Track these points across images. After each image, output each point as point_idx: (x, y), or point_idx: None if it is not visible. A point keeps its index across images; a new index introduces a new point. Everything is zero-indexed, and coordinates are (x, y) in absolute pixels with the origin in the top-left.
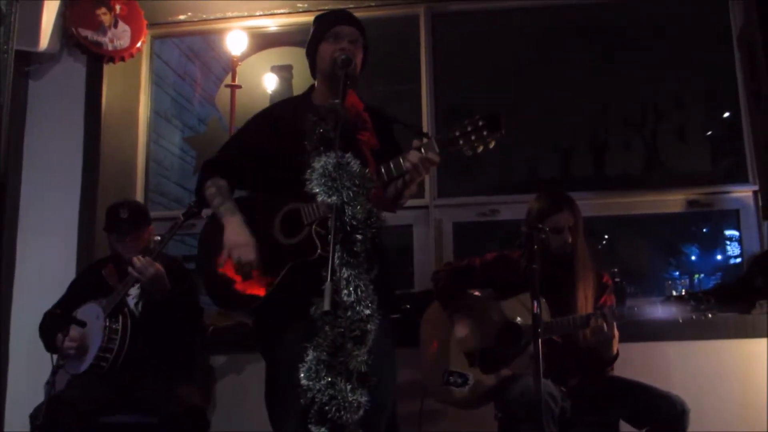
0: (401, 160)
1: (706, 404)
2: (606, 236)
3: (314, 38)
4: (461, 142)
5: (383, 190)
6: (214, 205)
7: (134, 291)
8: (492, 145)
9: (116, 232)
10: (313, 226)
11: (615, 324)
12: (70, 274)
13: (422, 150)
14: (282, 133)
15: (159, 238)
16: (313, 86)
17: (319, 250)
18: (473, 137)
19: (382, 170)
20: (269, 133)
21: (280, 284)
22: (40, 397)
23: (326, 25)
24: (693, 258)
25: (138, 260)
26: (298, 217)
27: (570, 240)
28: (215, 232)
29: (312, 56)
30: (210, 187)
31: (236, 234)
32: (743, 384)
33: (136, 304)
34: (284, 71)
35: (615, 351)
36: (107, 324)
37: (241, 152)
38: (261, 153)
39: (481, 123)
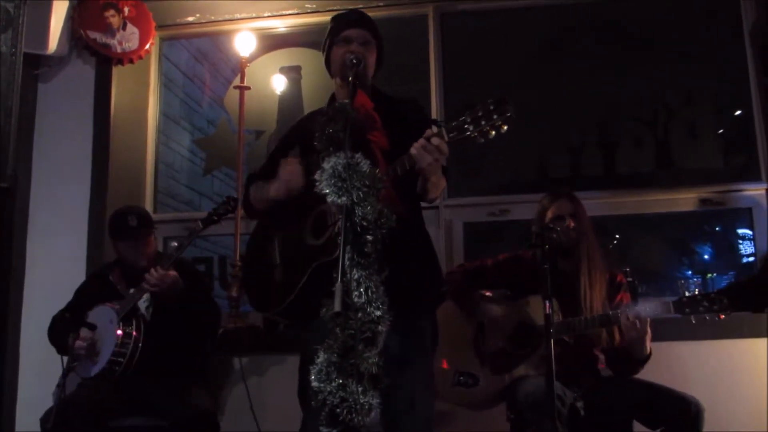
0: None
1: (721, 404)
2: (617, 236)
3: (327, 44)
4: (471, 127)
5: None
6: (257, 197)
7: (145, 295)
8: (504, 129)
9: (127, 239)
10: (336, 226)
11: (648, 320)
12: (79, 277)
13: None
14: (309, 142)
15: (176, 244)
16: (333, 93)
17: (339, 250)
18: (483, 122)
19: (398, 164)
20: (298, 143)
21: (306, 284)
22: (50, 401)
23: (337, 29)
24: (705, 257)
25: (152, 274)
26: (325, 219)
27: (572, 225)
28: (260, 236)
29: (328, 62)
30: (251, 190)
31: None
32: (758, 383)
33: (147, 308)
34: (293, 72)
35: (648, 350)
36: (121, 328)
37: (277, 164)
38: None
39: (491, 107)
